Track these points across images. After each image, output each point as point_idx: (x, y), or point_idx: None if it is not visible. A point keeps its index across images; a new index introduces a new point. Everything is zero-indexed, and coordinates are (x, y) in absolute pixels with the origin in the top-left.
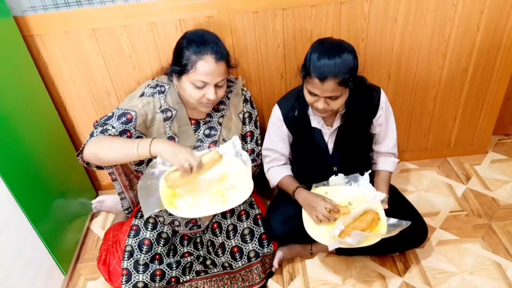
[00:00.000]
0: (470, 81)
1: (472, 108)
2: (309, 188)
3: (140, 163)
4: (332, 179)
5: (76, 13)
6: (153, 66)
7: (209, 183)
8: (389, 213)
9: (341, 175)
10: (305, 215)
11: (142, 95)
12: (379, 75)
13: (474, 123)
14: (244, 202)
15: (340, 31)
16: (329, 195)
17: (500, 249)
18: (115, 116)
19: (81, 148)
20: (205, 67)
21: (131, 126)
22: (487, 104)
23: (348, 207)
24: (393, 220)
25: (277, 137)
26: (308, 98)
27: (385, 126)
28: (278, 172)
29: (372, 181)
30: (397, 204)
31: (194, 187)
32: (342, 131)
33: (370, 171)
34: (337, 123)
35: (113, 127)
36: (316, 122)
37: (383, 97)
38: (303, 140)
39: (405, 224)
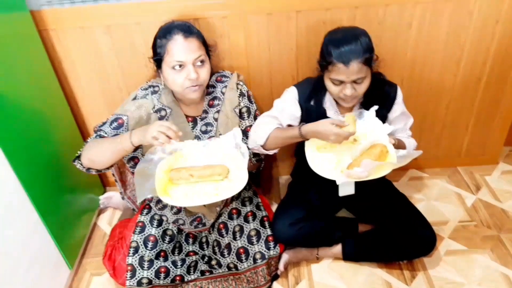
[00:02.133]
0: (484, 90)
1: (485, 118)
2: (319, 180)
3: (133, 165)
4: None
5: (91, 8)
6: None
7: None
8: (398, 220)
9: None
10: (309, 153)
11: (134, 98)
12: (392, 80)
13: (486, 133)
14: (239, 195)
15: None
16: None
17: (509, 261)
18: (109, 121)
19: (76, 155)
20: (176, 46)
21: (123, 130)
22: (500, 114)
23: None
24: (402, 152)
25: (285, 110)
26: (333, 88)
27: (403, 120)
28: (267, 126)
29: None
30: (406, 212)
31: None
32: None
33: (377, 107)
34: None
35: (105, 133)
36: (332, 112)
37: (400, 93)
38: None
39: (417, 154)
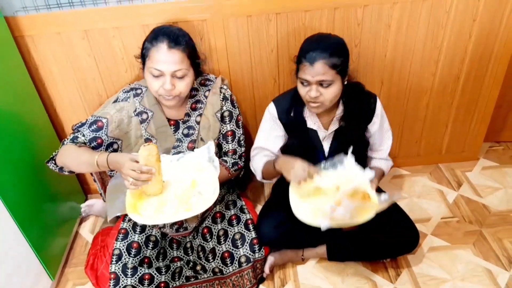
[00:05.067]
0: (462, 88)
1: (464, 115)
2: None
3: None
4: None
5: (68, 14)
6: None
7: (178, 188)
8: (380, 219)
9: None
10: (292, 200)
11: (116, 101)
12: (372, 81)
13: (466, 130)
14: (222, 198)
15: None
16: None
17: (490, 256)
18: (88, 123)
19: (51, 156)
20: (157, 54)
21: (102, 133)
22: (479, 111)
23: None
24: (384, 196)
25: (270, 135)
26: (301, 90)
27: (380, 134)
28: (260, 158)
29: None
30: (389, 210)
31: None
32: (338, 135)
33: (351, 148)
34: (333, 126)
35: (83, 135)
36: (312, 123)
37: (379, 105)
38: (299, 141)
39: (397, 197)
